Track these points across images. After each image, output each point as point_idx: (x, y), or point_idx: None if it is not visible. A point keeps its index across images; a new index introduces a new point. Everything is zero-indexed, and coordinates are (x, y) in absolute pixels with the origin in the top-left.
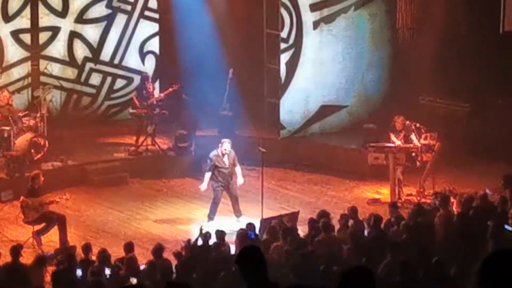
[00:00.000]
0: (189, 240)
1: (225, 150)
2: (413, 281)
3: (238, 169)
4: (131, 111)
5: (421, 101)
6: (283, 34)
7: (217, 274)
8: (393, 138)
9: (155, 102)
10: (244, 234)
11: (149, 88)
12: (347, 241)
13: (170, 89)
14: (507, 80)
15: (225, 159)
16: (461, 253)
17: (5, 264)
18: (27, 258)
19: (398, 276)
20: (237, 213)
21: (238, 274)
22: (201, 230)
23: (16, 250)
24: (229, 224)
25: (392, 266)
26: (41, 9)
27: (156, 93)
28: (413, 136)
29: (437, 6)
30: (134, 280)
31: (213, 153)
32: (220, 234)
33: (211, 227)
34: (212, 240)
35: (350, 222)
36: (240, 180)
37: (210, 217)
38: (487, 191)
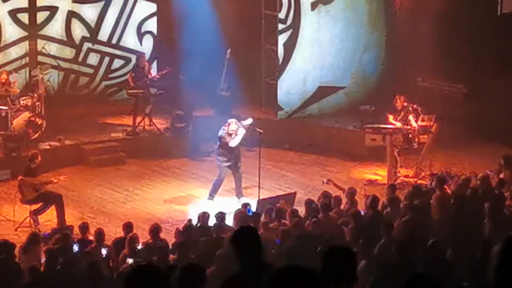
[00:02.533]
0: (190, 220)
1: (232, 130)
2: (409, 263)
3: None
4: (128, 91)
5: (418, 82)
6: (281, 15)
7: (213, 255)
8: (390, 119)
9: (148, 82)
10: (242, 214)
11: (144, 68)
12: (347, 222)
13: (163, 72)
14: (504, 62)
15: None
16: (457, 235)
17: None
18: (24, 237)
19: (394, 257)
20: (239, 193)
21: (233, 254)
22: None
23: None
24: (227, 204)
25: (387, 247)
26: None
27: (153, 73)
28: (410, 117)
29: None
30: (130, 261)
31: (221, 131)
32: (220, 216)
33: (209, 208)
34: (211, 221)
35: (345, 203)
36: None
37: (211, 195)
38: (488, 173)
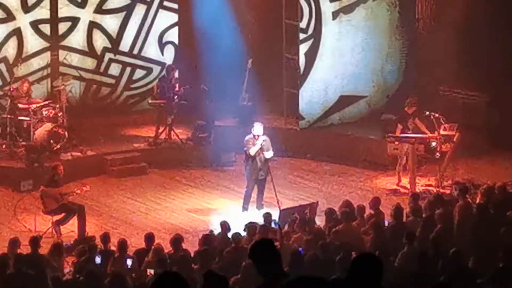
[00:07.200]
0: (211, 231)
1: (255, 134)
2: (431, 272)
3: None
4: (150, 101)
5: (440, 91)
6: (302, 24)
7: (236, 265)
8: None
9: (171, 95)
10: (266, 226)
11: (171, 80)
12: (367, 231)
13: (184, 88)
14: None
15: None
16: (479, 244)
17: (25, 254)
18: (46, 248)
19: (416, 266)
20: (259, 204)
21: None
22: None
23: (36, 241)
24: (248, 215)
25: (408, 256)
26: None
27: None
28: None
29: None
30: (151, 271)
31: (247, 136)
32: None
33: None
34: (232, 231)
35: (368, 212)
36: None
37: (244, 206)
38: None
